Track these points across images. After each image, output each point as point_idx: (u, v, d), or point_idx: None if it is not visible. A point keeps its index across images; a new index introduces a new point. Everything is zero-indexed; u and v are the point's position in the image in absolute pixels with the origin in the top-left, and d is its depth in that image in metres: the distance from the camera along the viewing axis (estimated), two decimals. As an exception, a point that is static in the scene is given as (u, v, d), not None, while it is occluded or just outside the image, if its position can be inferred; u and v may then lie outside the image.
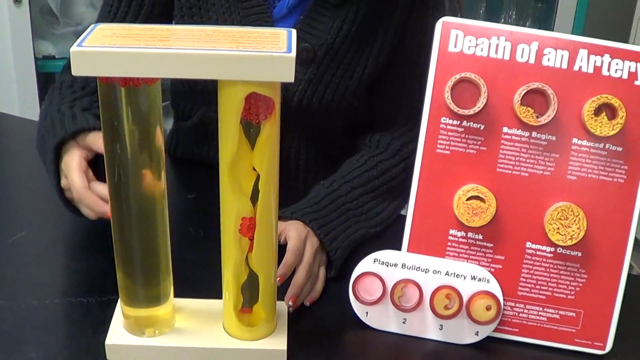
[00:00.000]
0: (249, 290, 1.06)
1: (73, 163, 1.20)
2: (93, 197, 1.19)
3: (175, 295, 1.11)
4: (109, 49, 0.89)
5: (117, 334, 1.08)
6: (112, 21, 1.41)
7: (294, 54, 0.91)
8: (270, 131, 0.96)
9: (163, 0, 1.42)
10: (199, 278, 1.22)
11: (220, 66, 0.90)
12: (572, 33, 2.96)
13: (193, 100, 1.51)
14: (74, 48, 0.89)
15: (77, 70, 0.90)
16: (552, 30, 2.98)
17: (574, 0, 3.00)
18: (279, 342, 1.07)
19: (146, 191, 1.01)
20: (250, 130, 0.96)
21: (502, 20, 3.27)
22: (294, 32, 0.98)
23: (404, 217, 1.17)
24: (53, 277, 1.25)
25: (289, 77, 0.91)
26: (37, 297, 1.16)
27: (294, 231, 1.21)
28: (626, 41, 2.78)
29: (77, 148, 1.22)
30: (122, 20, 1.41)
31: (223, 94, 0.94)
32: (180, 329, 1.09)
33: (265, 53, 0.90)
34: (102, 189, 1.18)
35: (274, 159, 0.99)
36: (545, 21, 3.19)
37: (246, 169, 0.98)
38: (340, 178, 1.36)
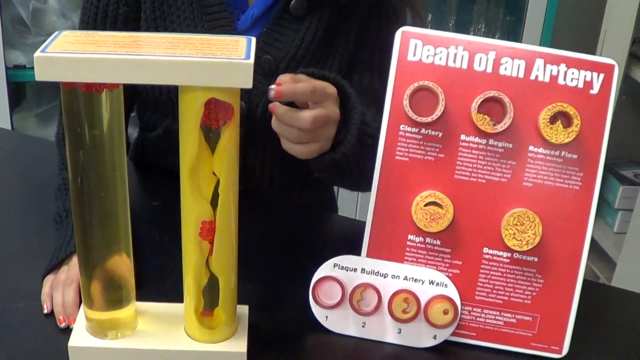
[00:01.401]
0: (210, 294, 1.07)
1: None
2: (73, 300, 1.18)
3: (138, 300, 1.12)
4: (71, 54, 0.91)
5: (80, 336, 1.09)
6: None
7: (252, 60, 0.93)
8: (229, 137, 0.98)
9: (127, 15, 1.43)
10: (162, 283, 1.23)
11: (180, 72, 0.92)
12: (541, 45, 3.00)
13: (158, 111, 1.52)
14: (37, 54, 0.91)
15: (40, 76, 0.92)
16: (520, 42, 3.02)
17: (541, 13, 3.03)
18: (239, 345, 1.08)
19: (108, 196, 1.02)
20: (210, 135, 0.98)
21: (472, 33, 3.30)
22: (253, 39, 1.00)
23: (364, 222, 1.19)
24: (17, 281, 1.26)
25: (247, 83, 0.93)
26: (2, 301, 1.18)
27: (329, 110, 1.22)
28: (593, 53, 2.82)
29: None
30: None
31: (183, 99, 0.96)
32: (142, 331, 1.11)
33: (224, 60, 0.92)
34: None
35: (233, 164, 1.01)
36: (513, 34, 3.22)
37: (206, 174, 1.00)
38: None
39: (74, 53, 0.91)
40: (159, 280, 1.24)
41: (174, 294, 1.12)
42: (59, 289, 1.18)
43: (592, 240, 2.92)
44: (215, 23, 1.39)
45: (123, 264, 1.07)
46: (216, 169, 1.00)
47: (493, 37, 3.27)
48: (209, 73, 0.93)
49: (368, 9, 1.43)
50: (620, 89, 2.72)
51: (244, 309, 1.14)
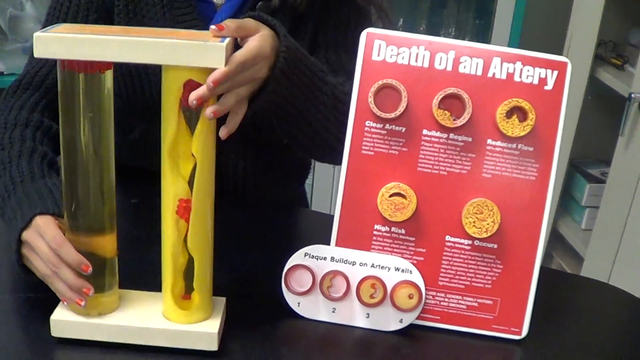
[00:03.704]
0: (188, 278, 1.14)
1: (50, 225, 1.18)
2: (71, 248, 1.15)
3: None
4: (69, 34, 1.04)
5: (63, 312, 1.16)
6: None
7: (224, 44, 1.05)
8: (206, 119, 1.07)
9: (97, 23, 1.48)
10: (143, 274, 1.28)
11: (162, 52, 1.04)
12: (509, 47, 3.07)
13: (134, 115, 1.57)
14: (37, 33, 1.03)
15: (39, 52, 1.04)
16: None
17: (509, 17, 3.10)
18: (212, 326, 1.15)
19: (99, 176, 1.12)
20: (190, 117, 1.08)
21: (442, 36, 3.36)
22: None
23: (332, 215, 1.25)
24: (2, 274, 1.31)
25: (219, 64, 1.05)
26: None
27: (258, 40, 1.18)
28: (560, 55, 2.89)
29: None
30: None
31: (165, 80, 1.08)
32: (122, 311, 1.18)
33: (201, 42, 1.04)
34: None
35: (210, 146, 1.10)
36: (483, 37, 3.29)
37: (186, 154, 1.10)
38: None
39: (69, 33, 1.04)
40: (139, 271, 1.30)
41: (154, 284, 1.19)
42: (61, 268, 1.14)
43: (560, 236, 3.00)
44: (185, 24, 1.44)
45: (108, 245, 1.15)
46: (194, 149, 1.09)
47: (463, 40, 3.34)
48: (187, 53, 1.04)
49: (326, 13, 1.48)
50: (586, 89, 2.79)
51: (221, 300, 1.21)
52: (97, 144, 1.11)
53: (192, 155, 1.09)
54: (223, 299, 1.21)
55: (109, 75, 1.10)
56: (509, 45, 3.12)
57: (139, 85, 1.48)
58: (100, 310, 1.15)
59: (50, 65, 1.45)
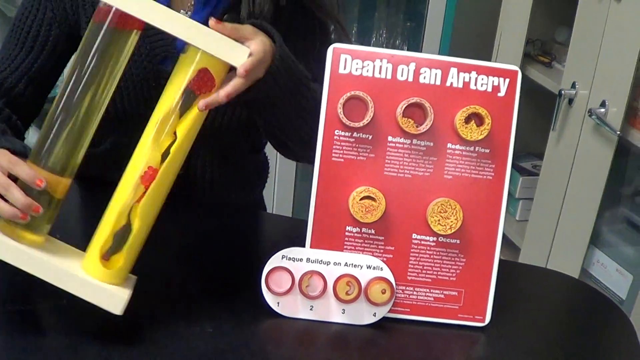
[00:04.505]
0: (119, 239, 1.23)
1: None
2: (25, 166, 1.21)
3: None
4: None
5: None
6: (12, 62, 1.53)
7: (248, 50, 1.21)
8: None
9: (58, 39, 1.54)
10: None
11: (197, 33, 1.19)
12: (440, 50, 3.18)
13: (104, 126, 1.62)
14: None
15: None
16: (421, 47, 3.20)
17: (440, 18, 3.19)
18: (123, 292, 1.22)
19: (78, 129, 1.23)
20: (187, 100, 1.21)
21: (374, 39, 3.43)
22: None
23: (294, 218, 1.34)
24: None
25: (238, 62, 1.21)
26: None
27: (261, 45, 1.29)
28: (490, 56, 3.00)
29: None
30: (24, 59, 1.53)
31: (184, 59, 1.22)
32: (46, 250, 1.23)
33: (231, 40, 1.20)
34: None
35: (193, 130, 1.23)
36: (414, 39, 3.36)
37: (170, 130, 1.22)
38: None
39: None
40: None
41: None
42: (11, 188, 1.20)
43: (498, 228, 3.06)
44: (157, 43, 1.50)
45: (61, 187, 1.23)
46: (179, 129, 1.21)
47: (394, 42, 3.42)
48: (217, 44, 1.19)
49: (295, 30, 1.55)
50: (516, 87, 2.89)
51: (134, 277, 1.29)
52: (97, 96, 1.21)
53: (174, 133, 1.21)
54: (135, 277, 1.29)
55: (135, 38, 1.21)
56: (440, 47, 3.22)
57: (112, 98, 1.54)
58: (27, 241, 1.21)
59: (19, 75, 1.52)
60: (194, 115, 1.21)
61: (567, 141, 2.60)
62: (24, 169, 1.20)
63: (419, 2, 3.32)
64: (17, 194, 1.19)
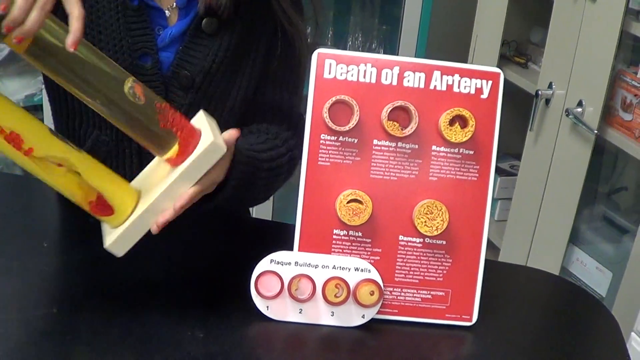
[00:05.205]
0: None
1: None
2: None
3: None
4: None
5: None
6: None
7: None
8: None
9: None
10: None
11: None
12: (416, 53, 3.19)
13: (85, 122, 1.58)
14: None
15: None
16: (398, 50, 3.22)
17: (416, 21, 3.21)
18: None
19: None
20: None
21: (350, 43, 3.45)
22: None
23: (294, 224, 1.35)
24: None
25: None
26: None
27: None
28: (466, 59, 3.03)
29: None
30: None
31: None
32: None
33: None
34: None
35: None
36: (390, 42, 3.39)
37: None
38: (247, 145, 1.46)
39: None
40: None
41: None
42: None
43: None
44: (138, 39, 1.50)
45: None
46: None
47: (370, 46, 3.44)
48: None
49: (273, 26, 1.58)
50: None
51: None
52: None
53: None
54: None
55: None
56: (417, 49, 3.24)
57: None
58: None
59: None
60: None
61: (544, 141, 2.63)
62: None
63: (394, 6, 3.35)
64: None
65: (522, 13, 2.99)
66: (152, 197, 1.25)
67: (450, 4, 3.32)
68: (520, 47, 3.03)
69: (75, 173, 1.22)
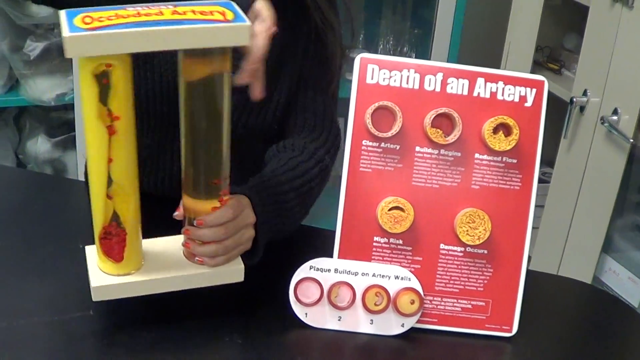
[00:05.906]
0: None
1: None
2: None
3: None
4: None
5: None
6: None
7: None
8: None
9: None
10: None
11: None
12: (448, 57, 3.17)
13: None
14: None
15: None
16: (430, 54, 3.19)
17: (449, 26, 3.19)
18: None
19: None
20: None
21: (381, 46, 3.43)
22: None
23: (334, 231, 1.34)
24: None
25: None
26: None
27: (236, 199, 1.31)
28: (498, 64, 3.01)
29: None
30: None
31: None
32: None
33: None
34: None
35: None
36: (422, 46, 3.36)
37: None
38: (270, 173, 1.45)
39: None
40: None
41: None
42: None
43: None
44: None
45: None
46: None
47: (402, 50, 3.42)
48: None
49: (308, 28, 1.55)
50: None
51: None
52: None
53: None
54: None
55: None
56: (449, 54, 3.21)
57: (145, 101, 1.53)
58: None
59: None
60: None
61: (578, 149, 2.60)
62: None
63: (426, 9, 3.32)
64: None
65: (556, 19, 2.96)
66: (166, 274, 1.25)
67: (483, 8, 3.30)
68: (554, 53, 3.01)
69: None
